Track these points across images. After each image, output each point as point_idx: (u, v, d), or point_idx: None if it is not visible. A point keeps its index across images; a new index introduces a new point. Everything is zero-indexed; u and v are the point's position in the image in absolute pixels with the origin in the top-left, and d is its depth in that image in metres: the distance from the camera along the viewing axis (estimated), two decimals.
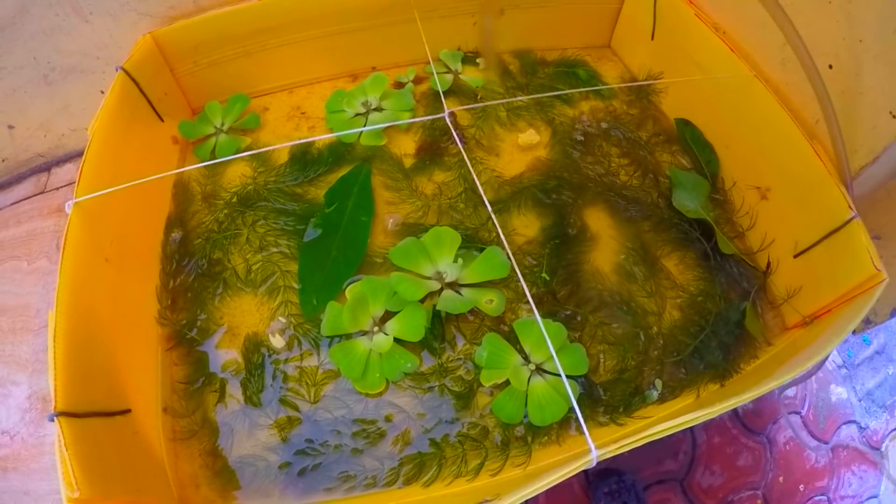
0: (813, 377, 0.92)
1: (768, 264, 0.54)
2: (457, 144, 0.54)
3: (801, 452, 0.88)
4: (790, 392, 0.91)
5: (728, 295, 0.53)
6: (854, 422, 0.91)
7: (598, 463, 0.35)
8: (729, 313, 0.53)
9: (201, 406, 0.48)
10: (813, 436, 0.90)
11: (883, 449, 0.91)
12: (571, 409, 0.46)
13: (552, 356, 0.45)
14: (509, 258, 0.39)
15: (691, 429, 0.87)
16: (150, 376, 0.49)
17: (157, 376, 0.50)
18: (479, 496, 0.40)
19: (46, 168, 0.66)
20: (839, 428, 0.90)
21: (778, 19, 0.44)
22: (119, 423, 0.44)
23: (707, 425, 0.87)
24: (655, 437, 0.37)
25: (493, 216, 0.38)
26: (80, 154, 0.66)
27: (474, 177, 0.40)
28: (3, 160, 0.65)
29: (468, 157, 0.53)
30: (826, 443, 0.89)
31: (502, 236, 0.38)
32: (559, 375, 0.45)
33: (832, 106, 0.47)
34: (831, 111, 0.47)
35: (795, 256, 0.52)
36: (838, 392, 0.92)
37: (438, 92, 0.59)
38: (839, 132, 0.47)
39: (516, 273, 0.38)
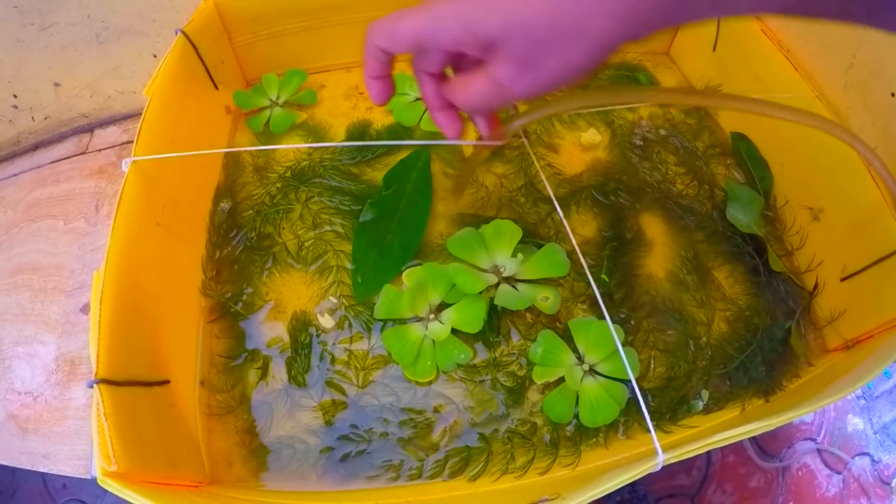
0: (831, 406, 0.92)
1: (815, 285, 0.54)
2: (519, 137, 0.53)
3: (813, 480, 0.89)
4: (807, 418, 0.91)
5: (774, 312, 0.53)
6: (868, 454, 0.91)
7: None
8: (774, 330, 0.52)
9: (241, 382, 0.47)
10: (826, 464, 0.90)
11: (893, 484, 0.91)
12: (621, 413, 0.45)
13: (617, 356, 0.45)
14: (579, 258, 0.38)
15: None
16: (190, 348, 0.48)
17: (196, 348, 0.48)
18: (526, 494, 0.39)
19: (89, 129, 0.65)
20: (852, 459, 0.90)
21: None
22: (157, 394, 0.43)
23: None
24: (719, 445, 0.37)
25: (562, 218, 0.37)
26: (125, 117, 0.65)
27: (542, 176, 0.40)
28: (46, 118, 0.63)
29: (530, 151, 0.53)
30: (839, 473, 0.90)
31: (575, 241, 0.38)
32: (615, 379, 0.45)
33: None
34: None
35: (843, 280, 0.52)
36: (855, 423, 0.92)
37: None
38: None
39: (586, 274, 0.37)
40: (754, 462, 0.88)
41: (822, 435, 0.91)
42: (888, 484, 0.90)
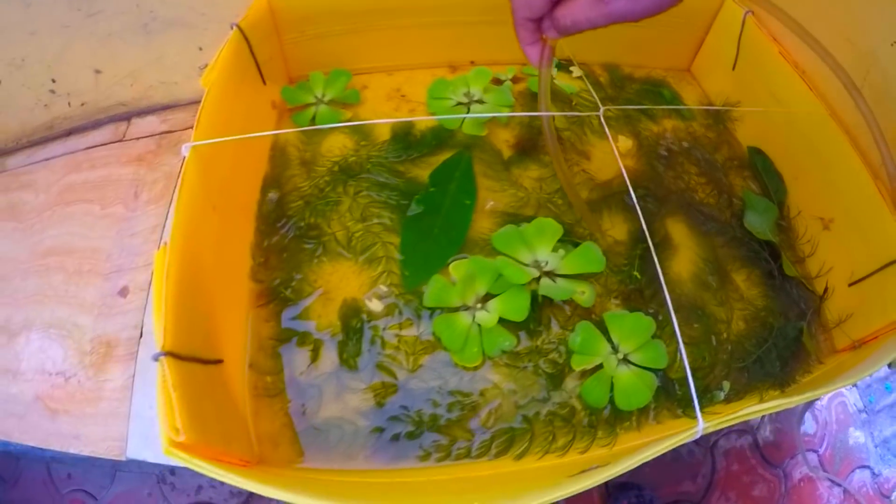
0: (834, 419, 1.00)
1: (825, 290, 0.62)
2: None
3: (815, 491, 0.97)
4: (810, 430, 0.99)
5: (787, 313, 0.61)
6: (868, 467, 1.00)
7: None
8: (787, 330, 0.60)
9: (288, 365, 0.52)
10: (827, 476, 0.98)
11: (893, 498, 0.99)
12: (651, 400, 0.52)
13: (649, 346, 0.52)
14: (650, 249, 0.44)
15: (712, 453, 0.95)
16: (240, 330, 0.53)
17: (247, 331, 0.53)
18: (568, 470, 0.45)
19: (126, 118, 0.69)
20: (853, 471, 0.99)
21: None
22: (212, 372, 0.47)
23: (727, 452, 0.95)
24: (753, 416, 0.42)
25: (639, 212, 0.44)
26: (164, 107, 0.71)
27: (624, 175, 0.46)
28: (83, 104, 0.68)
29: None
30: (839, 485, 0.98)
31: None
32: (647, 368, 0.52)
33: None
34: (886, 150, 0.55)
35: (850, 285, 0.60)
36: (856, 436, 1.01)
37: (534, 93, 0.65)
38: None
39: (657, 270, 0.43)
40: (757, 471, 0.96)
41: (823, 447, 0.99)
42: (888, 497, 0.99)
